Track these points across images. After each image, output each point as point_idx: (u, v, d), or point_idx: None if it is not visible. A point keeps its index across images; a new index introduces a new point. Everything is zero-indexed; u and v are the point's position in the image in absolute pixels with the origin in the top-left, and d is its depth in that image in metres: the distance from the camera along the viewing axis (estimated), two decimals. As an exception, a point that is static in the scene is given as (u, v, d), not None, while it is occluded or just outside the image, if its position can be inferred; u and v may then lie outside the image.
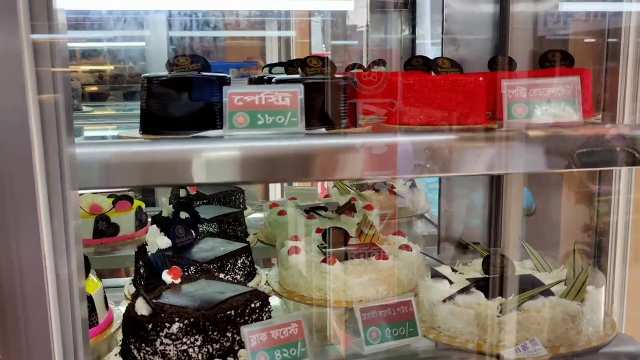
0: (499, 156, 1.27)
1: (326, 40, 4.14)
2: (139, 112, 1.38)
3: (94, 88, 3.30)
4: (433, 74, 1.57)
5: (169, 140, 1.22)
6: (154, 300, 1.39)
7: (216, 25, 3.99)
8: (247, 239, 2.17)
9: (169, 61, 1.38)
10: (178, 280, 1.50)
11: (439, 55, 2.10)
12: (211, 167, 1.17)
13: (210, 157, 1.17)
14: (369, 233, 1.91)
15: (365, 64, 4.06)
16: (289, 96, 1.27)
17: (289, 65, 1.80)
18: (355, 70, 2.34)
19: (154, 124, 1.35)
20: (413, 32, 3.01)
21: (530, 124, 1.33)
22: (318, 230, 1.98)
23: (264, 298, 1.43)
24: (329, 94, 1.41)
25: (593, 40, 2.08)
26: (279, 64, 2.39)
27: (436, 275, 1.56)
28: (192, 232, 1.88)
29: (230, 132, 1.24)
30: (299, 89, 1.27)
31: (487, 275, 1.60)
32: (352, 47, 4.14)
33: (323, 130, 1.36)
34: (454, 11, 2.05)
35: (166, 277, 1.49)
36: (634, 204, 1.79)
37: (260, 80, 2.11)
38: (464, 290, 1.47)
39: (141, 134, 1.37)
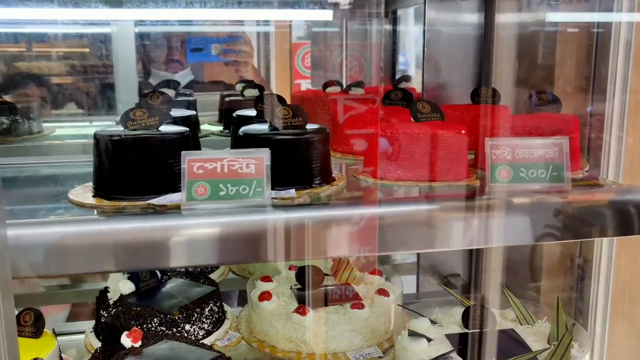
0: (482, 228, 1.18)
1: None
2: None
3: (62, 80, 3.08)
4: (412, 119, 1.47)
5: (120, 219, 1.10)
6: (110, 372, 1.30)
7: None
8: (217, 273, 2.07)
9: (124, 115, 1.26)
10: (138, 344, 1.40)
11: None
12: (168, 249, 1.06)
13: (168, 238, 1.07)
14: (344, 273, 1.83)
15: (345, 58, 3.91)
16: (254, 163, 1.16)
17: (259, 101, 1.68)
18: (330, 90, 2.23)
19: (107, 187, 1.24)
20: (395, 23, 2.85)
21: (514, 189, 1.24)
22: (291, 268, 1.89)
23: (229, 367, 1.34)
24: (299, 150, 1.30)
25: (576, 30, 1.98)
26: (255, 84, 2.26)
27: (413, 334, 1.48)
28: (158, 272, 1.78)
29: (189, 205, 1.13)
30: (265, 154, 1.17)
31: (467, 331, 1.53)
32: (334, 36, 3.99)
33: (292, 191, 1.26)
34: (436, 22, 1.94)
35: (125, 340, 1.39)
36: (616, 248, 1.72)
37: (231, 106, 1.99)
38: (442, 357, 1.39)
39: (93, 196, 1.25)
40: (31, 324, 1.48)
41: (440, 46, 1.93)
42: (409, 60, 2.91)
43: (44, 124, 2.17)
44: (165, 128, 1.28)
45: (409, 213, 1.17)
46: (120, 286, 1.68)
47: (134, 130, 1.25)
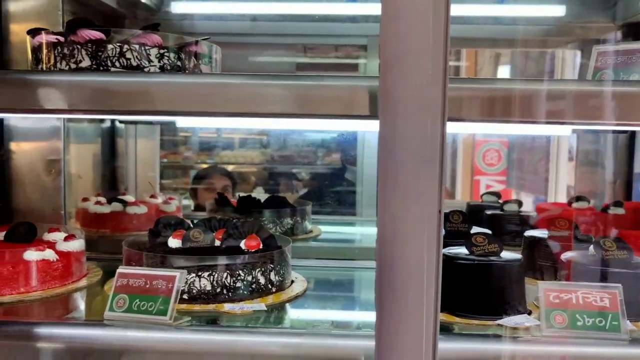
0: None
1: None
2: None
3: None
4: None
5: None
6: None
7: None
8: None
9: (468, 241, 1.42)
10: None
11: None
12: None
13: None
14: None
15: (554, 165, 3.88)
16: (608, 297, 1.26)
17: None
18: (578, 206, 2.26)
19: (455, 304, 1.38)
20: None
21: None
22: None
23: None
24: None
25: None
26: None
27: None
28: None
29: (549, 332, 1.24)
30: (619, 289, 1.26)
31: None
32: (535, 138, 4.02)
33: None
34: None
35: None
36: None
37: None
38: None
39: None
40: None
41: None
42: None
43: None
44: (504, 254, 1.42)
45: None
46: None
47: (481, 255, 1.40)
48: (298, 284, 1.62)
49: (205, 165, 3.80)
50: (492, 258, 1.39)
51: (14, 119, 2.05)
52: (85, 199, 2.27)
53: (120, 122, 2.58)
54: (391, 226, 0.96)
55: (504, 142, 4.19)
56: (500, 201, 2.31)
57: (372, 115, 1.15)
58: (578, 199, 2.31)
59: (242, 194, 2.39)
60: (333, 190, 3.10)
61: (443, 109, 0.98)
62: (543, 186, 4.11)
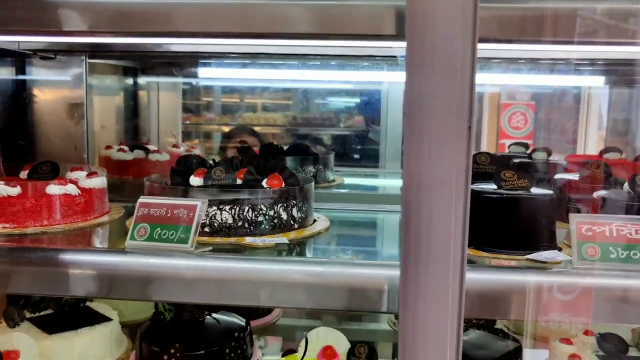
0: None
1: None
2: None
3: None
4: None
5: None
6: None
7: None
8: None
9: (497, 176, 1.38)
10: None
11: None
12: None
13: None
14: None
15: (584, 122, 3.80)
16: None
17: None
18: (610, 157, 2.19)
19: (481, 239, 1.35)
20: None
21: None
22: (587, 333, 1.88)
23: None
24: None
25: None
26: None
27: None
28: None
29: (581, 264, 1.20)
30: (652, 222, 1.21)
31: None
32: (563, 97, 3.94)
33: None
34: None
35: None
36: None
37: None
38: None
39: (465, 247, 1.37)
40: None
41: None
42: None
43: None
44: (534, 190, 1.38)
45: None
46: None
47: (510, 190, 1.36)
48: (320, 222, 1.59)
49: (227, 128, 3.79)
50: (521, 192, 1.34)
51: (35, 64, 2.05)
52: (108, 147, 2.27)
53: (143, 71, 2.56)
54: (417, 148, 0.92)
55: (530, 105, 4.09)
56: (528, 152, 2.25)
57: (400, 35, 1.11)
58: (609, 150, 2.24)
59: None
60: (357, 149, 3.07)
61: (474, 25, 0.93)
62: (571, 148, 4.00)
